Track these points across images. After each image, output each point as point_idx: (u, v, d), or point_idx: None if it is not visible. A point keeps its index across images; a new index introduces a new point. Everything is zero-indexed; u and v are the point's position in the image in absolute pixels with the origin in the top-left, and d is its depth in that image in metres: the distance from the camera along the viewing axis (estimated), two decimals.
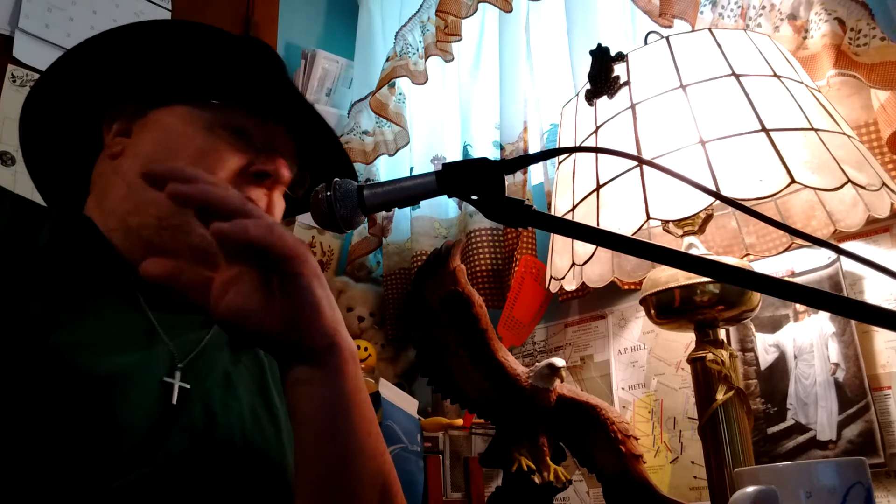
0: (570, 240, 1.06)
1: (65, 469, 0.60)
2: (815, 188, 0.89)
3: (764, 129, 0.90)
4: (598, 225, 0.95)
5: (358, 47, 1.96)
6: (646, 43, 1.09)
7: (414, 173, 1.58)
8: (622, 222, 0.92)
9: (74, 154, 0.84)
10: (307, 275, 0.59)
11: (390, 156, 1.80)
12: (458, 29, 1.60)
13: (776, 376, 1.13)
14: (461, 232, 1.62)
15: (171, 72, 0.82)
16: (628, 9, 1.47)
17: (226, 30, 0.81)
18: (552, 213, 1.15)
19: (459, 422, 1.38)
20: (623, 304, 1.38)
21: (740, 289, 0.96)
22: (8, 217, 0.71)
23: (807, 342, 1.11)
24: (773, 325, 1.15)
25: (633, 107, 1.00)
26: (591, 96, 1.05)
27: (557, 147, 1.24)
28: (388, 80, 1.72)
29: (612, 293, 1.36)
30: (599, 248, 1.07)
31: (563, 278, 1.10)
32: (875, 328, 1.06)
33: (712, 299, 0.96)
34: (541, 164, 1.52)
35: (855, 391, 1.04)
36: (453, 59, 1.68)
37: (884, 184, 0.90)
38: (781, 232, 1.14)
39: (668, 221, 1.06)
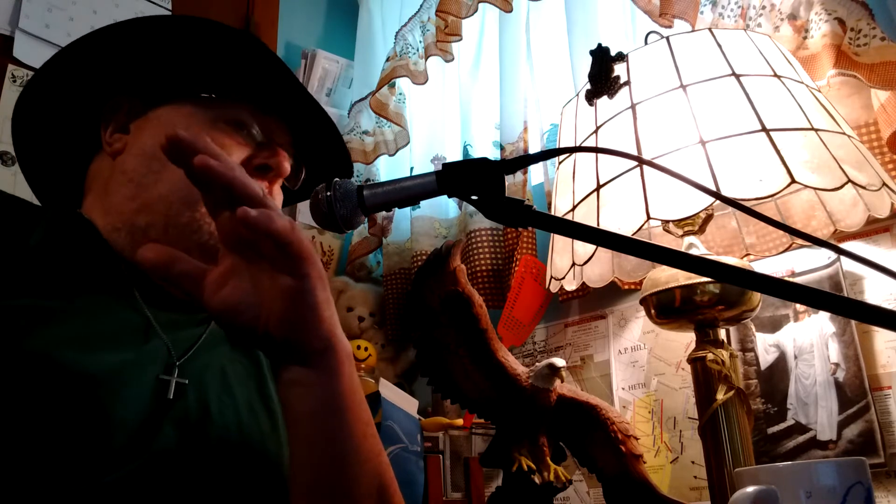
0: (570, 240, 1.06)
1: (57, 464, 0.60)
2: (815, 188, 0.89)
3: (764, 129, 0.90)
4: (598, 225, 0.95)
5: (358, 47, 1.96)
6: (646, 43, 1.09)
7: (414, 173, 1.59)
8: (622, 222, 0.92)
9: (69, 152, 0.84)
10: (313, 277, 0.59)
11: (390, 156, 1.80)
12: (458, 29, 1.60)
13: (776, 376, 1.13)
14: (461, 232, 1.62)
15: (170, 68, 0.81)
16: (628, 9, 1.47)
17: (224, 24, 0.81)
18: (552, 213, 1.15)
19: (459, 422, 1.38)
20: (623, 304, 1.38)
21: (740, 289, 0.96)
22: None
23: (807, 342, 1.11)
24: (773, 325, 1.15)
25: (633, 107, 1.00)
26: (591, 96, 1.05)
27: (557, 147, 1.24)
28: (388, 80, 1.72)
29: (613, 293, 1.36)
30: (599, 248, 1.07)
31: (564, 278, 1.10)
32: (875, 328, 1.06)
33: (712, 299, 0.96)
34: (541, 164, 1.52)
35: (855, 391, 1.04)
36: (453, 59, 1.68)
37: (884, 184, 0.90)
38: (781, 232, 1.14)
39: (668, 221, 1.06)
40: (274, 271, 0.58)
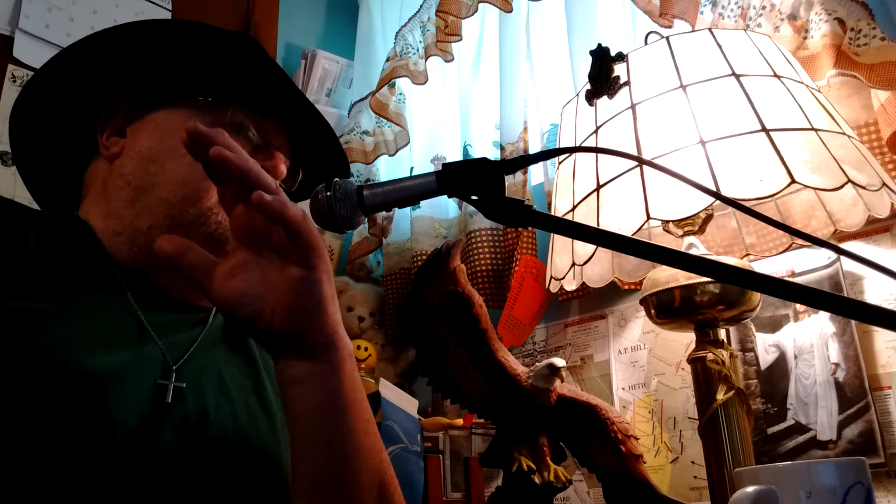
0: (570, 240, 1.06)
1: (59, 465, 0.60)
2: (815, 188, 0.89)
3: (764, 129, 0.90)
4: (598, 225, 0.95)
5: (358, 47, 1.96)
6: (646, 43, 1.09)
7: (414, 173, 1.59)
8: (622, 222, 0.92)
9: (65, 155, 0.84)
10: (321, 270, 0.60)
11: (390, 156, 1.80)
12: (458, 29, 1.60)
13: (776, 376, 1.13)
14: (461, 232, 1.62)
15: (166, 71, 0.81)
16: (628, 9, 1.47)
17: (220, 28, 0.81)
18: (552, 213, 1.15)
19: (459, 422, 1.38)
20: (623, 304, 1.38)
21: (740, 289, 0.96)
22: None
23: (807, 342, 1.11)
24: (773, 325, 1.15)
25: (633, 107, 1.00)
26: (591, 96, 1.05)
27: (557, 147, 1.24)
28: (388, 80, 1.72)
29: (612, 293, 1.36)
30: (599, 248, 1.07)
31: (564, 278, 1.10)
32: (875, 328, 1.06)
33: (712, 299, 0.96)
34: (541, 164, 1.52)
35: (855, 391, 1.04)
36: (453, 59, 1.68)
37: (884, 184, 0.90)
38: (781, 232, 1.14)
39: (668, 221, 1.06)
40: (283, 263, 0.59)
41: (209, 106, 0.80)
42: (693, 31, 1.14)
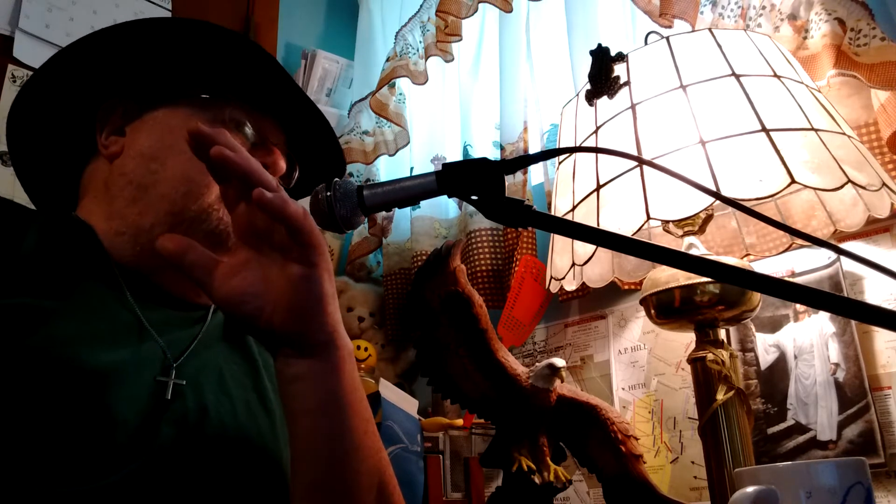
0: (570, 240, 1.06)
1: (59, 464, 0.60)
2: (815, 188, 0.89)
3: (764, 129, 0.90)
4: (598, 225, 0.95)
5: (358, 47, 1.96)
6: (646, 43, 1.09)
7: (414, 173, 1.59)
8: (622, 222, 0.92)
9: (63, 155, 0.84)
10: (322, 268, 0.61)
11: (390, 156, 1.80)
12: (458, 29, 1.60)
13: (776, 376, 1.13)
14: (461, 232, 1.62)
15: (164, 70, 0.81)
16: (628, 9, 1.47)
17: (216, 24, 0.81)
18: (552, 213, 1.15)
19: (459, 422, 1.38)
20: (623, 304, 1.38)
21: (740, 289, 0.96)
22: None
23: (807, 342, 1.11)
24: (773, 325, 1.15)
25: (633, 107, 1.00)
26: (591, 96, 1.05)
27: (557, 147, 1.24)
28: (388, 80, 1.72)
29: (612, 293, 1.36)
30: (599, 248, 1.07)
31: (563, 278, 1.10)
32: (875, 328, 1.06)
33: (712, 299, 0.96)
34: (541, 164, 1.52)
35: (855, 391, 1.04)
36: (453, 59, 1.68)
37: (884, 184, 0.90)
38: (781, 232, 1.14)
39: (668, 221, 1.06)
40: (284, 261, 0.60)
41: (208, 103, 0.80)
42: (693, 31, 1.14)
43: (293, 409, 0.64)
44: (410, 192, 0.63)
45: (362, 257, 1.82)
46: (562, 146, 1.18)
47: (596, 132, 1.04)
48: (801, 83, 0.99)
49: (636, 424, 1.29)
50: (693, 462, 1.20)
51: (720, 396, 0.95)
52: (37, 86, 0.80)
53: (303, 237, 0.59)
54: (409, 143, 1.77)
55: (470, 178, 0.61)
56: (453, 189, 0.62)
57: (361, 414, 0.65)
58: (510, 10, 1.54)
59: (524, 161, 0.65)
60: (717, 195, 0.62)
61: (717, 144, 0.91)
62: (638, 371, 1.32)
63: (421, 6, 1.74)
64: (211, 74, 0.81)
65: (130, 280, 0.74)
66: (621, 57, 1.03)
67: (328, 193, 0.63)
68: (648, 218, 0.89)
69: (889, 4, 1.00)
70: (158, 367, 0.70)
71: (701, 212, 0.97)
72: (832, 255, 1.11)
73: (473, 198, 0.61)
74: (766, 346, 1.15)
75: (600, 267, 1.20)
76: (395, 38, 1.78)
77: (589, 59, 1.03)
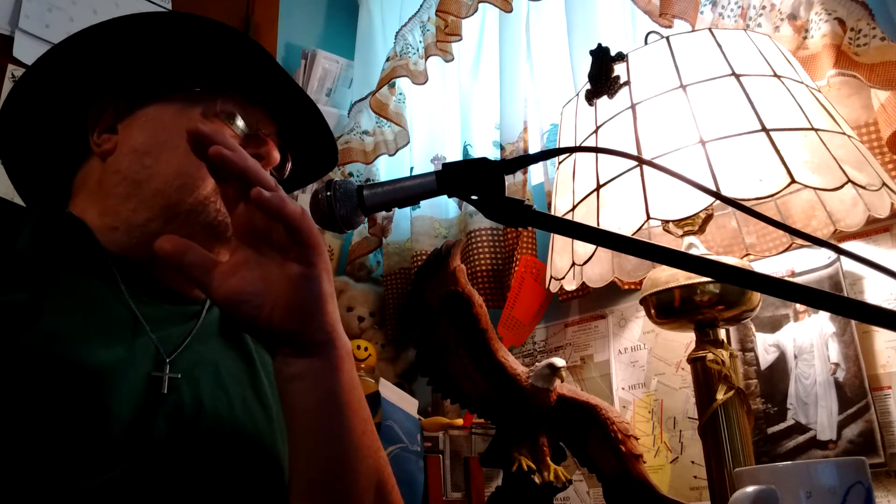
0: (570, 240, 1.06)
1: (55, 461, 0.60)
2: (815, 188, 0.89)
3: (764, 129, 0.90)
4: (598, 225, 0.95)
5: (358, 47, 1.96)
6: (646, 43, 1.09)
7: (414, 173, 1.59)
8: (622, 222, 0.92)
9: (55, 153, 0.83)
10: (320, 268, 0.61)
11: (390, 156, 1.80)
12: (458, 29, 1.60)
13: (776, 376, 1.13)
14: (461, 232, 1.62)
15: (153, 65, 0.81)
16: (628, 9, 1.47)
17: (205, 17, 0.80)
18: (552, 213, 1.15)
19: (459, 422, 1.38)
20: (623, 304, 1.38)
21: (740, 289, 0.96)
22: None
23: (807, 342, 1.11)
24: (773, 325, 1.15)
25: (633, 107, 1.00)
26: (591, 96, 1.05)
27: (557, 147, 1.24)
28: (388, 80, 1.72)
29: (612, 293, 1.36)
30: (599, 248, 1.07)
31: (563, 278, 1.10)
32: (875, 328, 1.06)
33: (712, 299, 0.96)
34: (541, 164, 1.52)
35: (855, 391, 1.04)
36: (453, 59, 1.68)
37: (884, 184, 0.90)
38: (781, 232, 1.14)
39: (668, 221, 1.06)
40: (283, 261, 0.60)
41: (198, 96, 0.79)
42: (693, 30, 1.14)
43: (292, 408, 0.64)
44: (410, 191, 0.63)
45: (362, 257, 1.82)
46: (562, 146, 1.18)
47: (596, 132, 1.04)
48: (801, 83, 0.99)
49: (636, 424, 1.29)
50: (693, 462, 1.20)
51: (720, 396, 0.95)
52: (27, 85, 0.80)
53: (301, 236, 0.59)
54: (409, 142, 1.77)
55: (470, 178, 0.61)
56: (453, 189, 0.62)
57: (360, 413, 0.65)
58: (510, 10, 1.54)
59: (524, 161, 0.65)
60: (717, 195, 0.62)
61: (717, 144, 0.91)
62: (638, 371, 1.32)
63: (421, 6, 1.74)
64: (200, 67, 0.81)
65: (126, 275, 0.74)
66: (621, 57, 1.03)
67: (328, 193, 0.63)
68: (648, 218, 0.89)
69: (889, 4, 1.00)
70: (152, 362, 0.70)
71: (701, 212, 0.97)
72: (832, 255, 1.11)
73: (473, 198, 0.61)
74: (766, 346, 1.15)
75: (600, 267, 1.20)
76: (395, 38, 1.78)
77: (589, 59, 1.03)
